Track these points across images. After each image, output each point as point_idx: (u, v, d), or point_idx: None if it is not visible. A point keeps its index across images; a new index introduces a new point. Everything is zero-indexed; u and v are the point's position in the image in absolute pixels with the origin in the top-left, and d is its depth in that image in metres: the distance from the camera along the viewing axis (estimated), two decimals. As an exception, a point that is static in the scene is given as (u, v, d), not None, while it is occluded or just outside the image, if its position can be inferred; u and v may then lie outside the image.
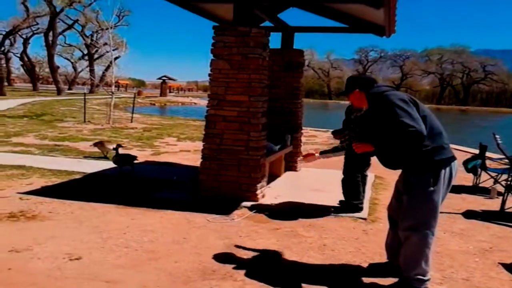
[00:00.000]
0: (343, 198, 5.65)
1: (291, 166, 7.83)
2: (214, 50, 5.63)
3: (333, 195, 5.92)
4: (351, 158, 5.47)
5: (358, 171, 5.53)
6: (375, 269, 3.81)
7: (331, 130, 5.88)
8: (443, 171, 3.27)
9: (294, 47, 7.95)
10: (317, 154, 5.64)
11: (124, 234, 4.40)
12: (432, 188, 3.26)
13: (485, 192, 7.07)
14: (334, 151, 5.71)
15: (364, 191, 5.67)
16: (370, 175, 7.60)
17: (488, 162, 7.64)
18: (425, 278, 3.37)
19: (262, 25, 7.18)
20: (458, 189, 7.09)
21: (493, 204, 6.33)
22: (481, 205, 6.35)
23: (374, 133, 3.42)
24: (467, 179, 7.60)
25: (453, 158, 3.34)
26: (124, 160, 7.14)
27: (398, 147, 3.26)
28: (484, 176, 7.36)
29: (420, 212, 3.33)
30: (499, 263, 4.12)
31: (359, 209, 5.48)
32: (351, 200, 5.51)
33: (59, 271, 3.53)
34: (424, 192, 3.28)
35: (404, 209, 3.44)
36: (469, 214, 5.74)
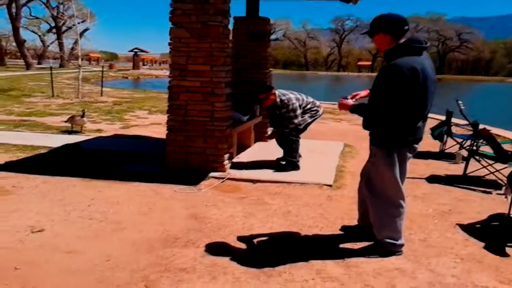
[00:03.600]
0: (311, 168, 5.76)
1: (261, 136, 7.85)
2: (172, 18, 5.48)
3: (302, 164, 6.01)
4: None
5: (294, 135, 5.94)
6: (345, 231, 3.91)
7: None
8: (406, 149, 3.31)
9: (263, 16, 7.77)
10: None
11: (89, 207, 4.39)
12: (390, 161, 3.31)
13: (451, 157, 7.22)
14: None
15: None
16: (340, 144, 7.72)
17: (455, 128, 7.78)
18: (397, 242, 3.47)
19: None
20: (425, 155, 7.22)
21: (458, 169, 6.47)
22: (445, 170, 6.49)
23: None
24: (433, 145, 7.73)
25: (420, 139, 3.36)
26: None
27: (379, 115, 3.23)
28: (450, 142, 7.51)
29: (379, 181, 3.42)
30: (456, 224, 4.25)
31: (297, 166, 5.91)
32: (289, 158, 5.93)
33: (20, 243, 3.52)
34: (383, 163, 3.35)
35: (368, 175, 3.54)
36: (432, 179, 5.86)
